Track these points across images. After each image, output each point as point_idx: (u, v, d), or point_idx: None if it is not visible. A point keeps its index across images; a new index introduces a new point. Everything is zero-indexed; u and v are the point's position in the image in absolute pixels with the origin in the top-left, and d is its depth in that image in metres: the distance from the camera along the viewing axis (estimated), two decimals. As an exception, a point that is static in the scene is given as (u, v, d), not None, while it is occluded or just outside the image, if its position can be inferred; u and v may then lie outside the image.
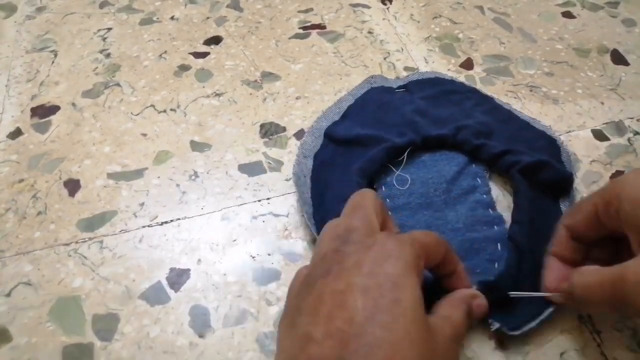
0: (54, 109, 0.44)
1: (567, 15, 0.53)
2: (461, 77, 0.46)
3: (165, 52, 0.50)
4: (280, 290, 0.32)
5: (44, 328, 0.31)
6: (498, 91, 0.44)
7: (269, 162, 0.40)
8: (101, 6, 0.56)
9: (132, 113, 0.44)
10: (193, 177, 0.39)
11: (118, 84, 0.46)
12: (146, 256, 0.34)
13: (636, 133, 0.41)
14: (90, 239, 0.35)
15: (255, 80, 0.46)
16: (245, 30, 0.52)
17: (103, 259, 0.34)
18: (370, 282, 0.21)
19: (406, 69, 0.47)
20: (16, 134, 0.42)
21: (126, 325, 0.31)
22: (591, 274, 0.25)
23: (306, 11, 0.54)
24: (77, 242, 0.35)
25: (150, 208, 0.37)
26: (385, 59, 0.48)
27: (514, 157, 0.36)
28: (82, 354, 0.30)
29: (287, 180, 0.38)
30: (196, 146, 0.41)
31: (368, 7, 0.55)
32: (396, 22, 0.53)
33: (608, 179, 0.38)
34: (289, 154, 0.40)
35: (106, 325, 0.31)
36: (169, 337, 0.30)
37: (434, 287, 0.28)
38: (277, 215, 0.36)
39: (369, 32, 0.51)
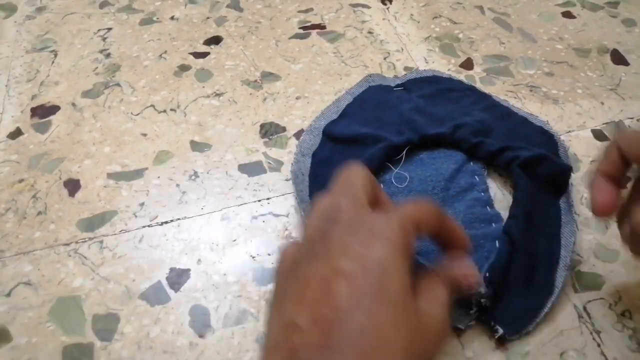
0: (54, 109, 0.44)
1: (567, 15, 0.53)
2: (461, 77, 0.46)
3: (165, 52, 0.50)
4: (280, 290, 0.32)
5: (44, 328, 0.31)
6: (498, 91, 0.44)
7: (269, 162, 0.40)
8: (101, 6, 0.56)
9: (132, 113, 0.44)
10: (193, 177, 0.39)
11: (118, 84, 0.46)
12: (146, 256, 0.34)
13: (636, 133, 0.41)
14: (90, 239, 0.35)
15: (255, 80, 0.46)
16: (245, 30, 0.52)
17: (103, 259, 0.34)
18: (356, 266, 0.21)
19: (406, 69, 0.47)
20: (16, 134, 0.42)
21: (126, 325, 0.31)
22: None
23: (306, 11, 0.54)
24: (77, 242, 0.35)
25: (150, 208, 0.37)
26: (385, 59, 0.48)
27: (513, 153, 0.36)
28: (82, 354, 0.30)
29: (287, 180, 0.38)
30: (196, 146, 0.41)
31: (368, 7, 0.55)
32: (396, 22, 0.53)
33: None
34: (289, 154, 0.40)
35: (106, 325, 0.31)
36: (169, 337, 0.30)
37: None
38: (277, 215, 0.36)
39: (369, 32, 0.51)
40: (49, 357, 0.29)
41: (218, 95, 0.45)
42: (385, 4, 0.55)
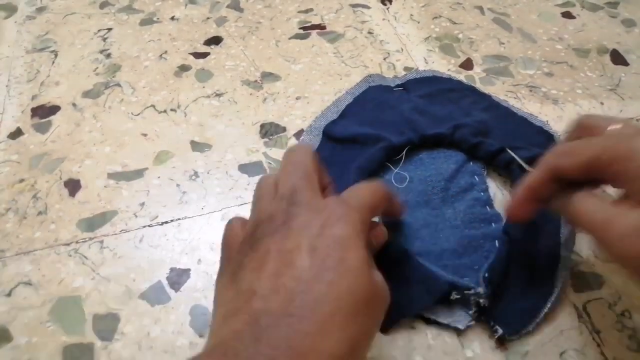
0: (54, 109, 0.44)
1: (567, 15, 0.53)
2: (461, 77, 0.46)
3: (166, 52, 0.50)
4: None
5: (45, 328, 0.31)
6: (498, 91, 0.45)
7: (269, 162, 0.40)
8: (101, 6, 0.56)
9: (132, 113, 0.44)
10: (193, 177, 0.39)
11: (118, 84, 0.46)
12: (146, 256, 0.34)
13: (636, 133, 0.41)
14: (90, 238, 0.35)
15: (256, 81, 0.46)
16: (245, 30, 0.52)
17: (103, 258, 0.34)
18: (318, 242, 0.22)
19: (406, 69, 0.47)
20: (17, 134, 0.42)
21: (126, 325, 0.31)
22: (587, 202, 0.25)
23: (306, 11, 0.54)
24: (77, 242, 0.35)
25: (151, 208, 0.37)
26: (385, 59, 0.48)
27: (514, 154, 0.36)
28: (82, 354, 0.30)
29: (287, 180, 0.38)
30: (196, 146, 0.41)
31: (368, 7, 0.55)
32: (396, 23, 0.53)
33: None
34: (289, 154, 0.40)
35: (106, 325, 0.31)
36: (169, 337, 0.30)
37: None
38: (277, 215, 0.36)
39: (369, 33, 0.51)
40: (49, 357, 0.29)
41: (218, 95, 0.45)
42: (385, 4, 0.55)
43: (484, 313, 0.29)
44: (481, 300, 0.29)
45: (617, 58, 0.48)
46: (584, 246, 0.34)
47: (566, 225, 0.33)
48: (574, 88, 0.45)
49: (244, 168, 0.39)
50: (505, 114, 0.41)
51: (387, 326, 0.30)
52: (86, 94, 0.46)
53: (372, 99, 0.43)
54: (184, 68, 0.48)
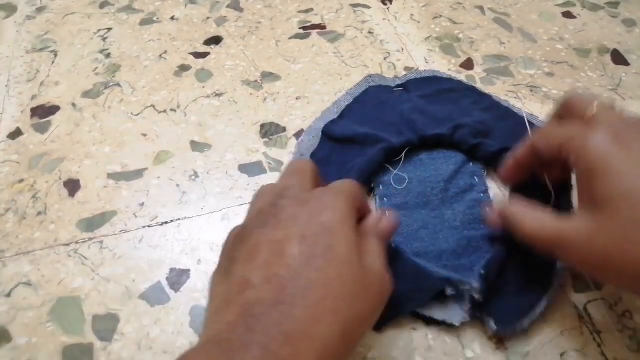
0: (53, 109, 0.44)
1: (567, 15, 0.53)
2: (461, 77, 0.46)
3: (165, 52, 0.50)
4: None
5: (44, 328, 0.31)
6: (498, 91, 0.44)
7: (269, 162, 0.40)
8: (101, 6, 0.56)
9: (132, 113, 0.44)
10: (193, 177, 0.39)
11: (118, 84, 0.46)
12: (146, 256, 0.34)
13: (636, 133, 0.41)
14: (90, 239, 0.35)
15: (255, 80, 0.46)
16: (245, 30, 0.52)
17: (103, 259, 0.34)
18: (306, 231, 0.22)
19: (406, 69, 0.47)
20: (16, 133, 0.42)
21: (126, 325, 0.31)
22: (529, 219, 0.28)
23: (306, 11, 0.54)
24: (77, 242, 0.35)
25: (150, 208, 0.37)
26: (385, 59, 0.48)
27: None
28: (82, 354, 0.30)
29: (287, 180, 0.38)
30: (196, 146, 0.41)
31: (368, 7, 0.55)
32: (396, 22, 0.53)
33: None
34: (289, 154, 0.40)
35: (106, 325, 0.31)
36: (169, 337, 0.30)
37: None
38: (277, 215, 0.36)
39: (369, 32, 0.51)
40: (48, 357, 0.29)
41: (218, 95, 0.45)
42: (385, 4, 0.55)
43: (479, 309, 0.29)
44: (475, 295, 0.29)
45: (618, 58, 0.48)
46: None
47: None
48: (575, 88, 0.45)
49: (244, 168, 0.39)
50: (506, 114, 0.41)
51: (382, 324, 0.30)
52: (86, 94, 0.46)
53: (372, 98, 0.42)
54: (183, 68, 0.48)
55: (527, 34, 0.51)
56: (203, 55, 0.49)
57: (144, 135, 0.42)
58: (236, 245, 0.24)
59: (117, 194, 0.38)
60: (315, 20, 0.53)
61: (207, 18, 0.54)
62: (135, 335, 0.30)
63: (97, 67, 0.48)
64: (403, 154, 0.37)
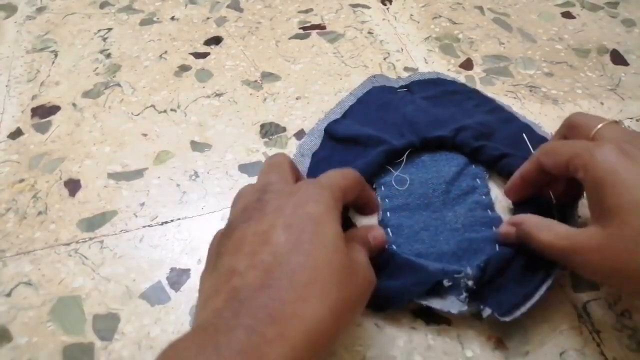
0: (54, 109, 0.44)
1: (567, 15, 0.53)
2: (461, 77, 0.46)
3: (166, 52, 0.50)
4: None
5: (45, 328, 0.31)
6: (498, 91, 0.45)
7: (269, 162, 0.40)
8: (101, 6, 0.56)
9: (132, 113, 0.44)
10: (193, 177, 0.39)
11: (118, 84, 0.46)
12: (146, 256, 0.34)
13: (636, 133, 0.41)
14: (90, 238, 0.35)
15: (256, 81, 0.46)
16: (245, 30, 0.52)
17: (103, 258, 0.34)
18: (292, 220, 0.23)
19: (406, 69, 0.47)
20: (17, 134, 0.42)
21: (126, 325, 0.31)
22: (546, 230, 0.28)
23: (306, 11, 0.54)
24: (77, 242, 0.35)
25: (151, 208, 0.37)
26: (385, 59, 0.48)
27: (515, 161, 0.36)
28: (82, 354, 0.30)
29: (287, 180, 0.38)
30: (196, 146, 0.41)
31: (368, 7, 0.55)
32: (396, 23, 0.53)
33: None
34: (289, 154, 0.40)
35: (106, 325, 0.31)
36: (170, 337, 0.30)
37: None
38: (277, 215, 0.36)
39: (369, 33, 0.51)
40: (49, 357, 0.29)
41: (218, 95, 0.45)
42: (385, 4, 0.55)
43: (476, 298, 0.29)
44: (469, 282, 0.29)
45: (617, 58, 0.48)
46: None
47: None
48: (574, 88, 0.45)
49: (244, 168, 0.39)
50: (509, 118, 0.41)
51: (381, 309, 0.30)
52: (86, 94, 0.46)
53: (375, 99, 0.42)
54: (184, 68, 0.48)
55: (527, 34, 0.51)
56: (203, 55, 0.49)
57: (145, 135, 0.42)
58: (222, 241, 0.24)
59: (118, 194, 0.38)
60: (315, 20, 0.53)
61: (208, 18, 0.54)
62: (136, 335, 0.30)
63: (97, 68, 0.48)
64: (405, 155, 0.37)
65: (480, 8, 0.54)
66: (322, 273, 0.21)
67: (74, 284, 0.33)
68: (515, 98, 0.44)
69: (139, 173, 0.39)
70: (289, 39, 0.51)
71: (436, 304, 0.29)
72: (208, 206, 0.37)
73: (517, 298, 0.29)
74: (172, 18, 0.54)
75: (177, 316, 0.31)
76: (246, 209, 0.25)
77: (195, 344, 0.19)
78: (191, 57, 0.49)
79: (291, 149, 0.40)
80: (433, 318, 0.30)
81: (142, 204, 0.37)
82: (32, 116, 0.44)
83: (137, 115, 0.44)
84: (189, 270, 0.33)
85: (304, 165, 0.38)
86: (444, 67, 0.47)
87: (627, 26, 0.52)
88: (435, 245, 0.33)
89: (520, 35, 0.51)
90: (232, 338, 0.19)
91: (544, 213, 0.31)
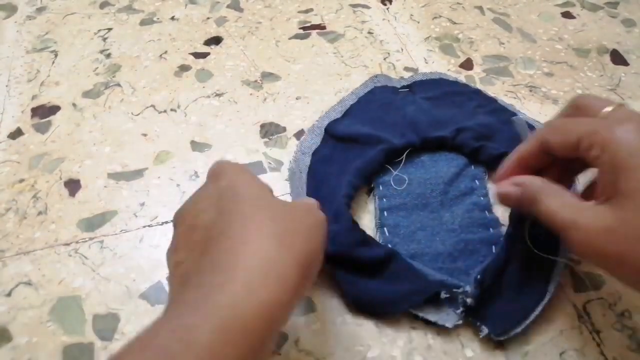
0: (54, 109, 0.44)
1: (567, 15, 0.53)
2: (461, 77, 0.46)
3: (166, 52, 0.50)
4: (280, 290, 0.32)
5: (45, 328, 0.31)
6: (498, 91, 0.45)
7: (269, 162, 0.40)
8: (101, 6, 0.56)
9: (132, 113, 0.44)
10: (193, 177, 0.39)
11: (118, 84, 0.46)
12: (147, 256, 0.34)
13: (636, 133, 0.41)
14: (90, 238, 0.35)
15: (256, 81, 0.46)
16: (245, 30, 0.52)
17: (103, 258, 0.34)
18: (208, 202, 0.24)
19: (406, 69, 0.47)
20: (17, 134, 0.42)
21: (126, 325, 0.31)
22: (552, 196, 0.26)
23: (306, 11, 0.54)
24: (77, 242, 0.35)
25: (151, 208, 0.37)
26: (385, 59, 0.48)
27: None
28: (82, 354, 0.30)
29: (287, 180, 0.38)
30: (196, 146, 0.41)
31: (368, 7, 0.55)
32: (396, 23, 0.53)
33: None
34: (289, 154, 0.40)
35: (106, 325, 0.31)
36: (170, 337, 0.30)
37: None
38: (277, 215, 0.36)
39: (369, 33, 0.51)
40: (49, 357, 0.29)
41: (218, 95, 0.45)
42: (385, 4, 0.55)
43: (472, 314, 0.29)
44: (468, 300, 0.29)
45: (617, 58, 0.48)
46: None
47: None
48: (574, 88, 0.45)
49: (244, 168, 0.39)
50: (510, 118, 0.41)
51: (376, 314, 0.30)
52: (86, 94, 0.46)
53: (377, 99, 0.42)
54: (184, 68, 0.48)
55: (527, 34, 0.51)
56: (203, 55, 0.49)
57: (145, 135, 0.42)
58: (168, 255, 0.25)
59: (118, 194, 0.38)
60: (315, 20, 0.53)
61: (208, 18, 0.54)
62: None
63: (97, 68, 0.48)
64: (405, 155, 0.37)
65: (480, 8, 0.54)
66: (252, 216, 0.22)
67: (74, 284, 0.33)
68: (515, 98, 0.44)
69: (139, 173, 0.39)
70: (289, 39, 0.51)
71: (432, 316, 0.29)
72: (208, 206, 0.37)
73: (513, 323, 0.29)
74: (172, 18, 0.54)
75: (177, 316, 0.31)
76: (177, 222, 0.26)
77: (153, 323, 0.20)
78: (191, 57, 0.49)
79: (291, 149, 0.40)
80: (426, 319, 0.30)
81: (142, 204, 0.37)
82: (32, 116, 0.44)
83: (137, 115, 0.44)
84: (189, 270, 0.33)
85: (304, 163, 0.38)
86: (444, 67, 0.47)
87: (627, 26, 0.52)
88: (431, 246, 0.33)
89: (520, 35, 0.51)
90: (180, 299, 0.20)
91: None
